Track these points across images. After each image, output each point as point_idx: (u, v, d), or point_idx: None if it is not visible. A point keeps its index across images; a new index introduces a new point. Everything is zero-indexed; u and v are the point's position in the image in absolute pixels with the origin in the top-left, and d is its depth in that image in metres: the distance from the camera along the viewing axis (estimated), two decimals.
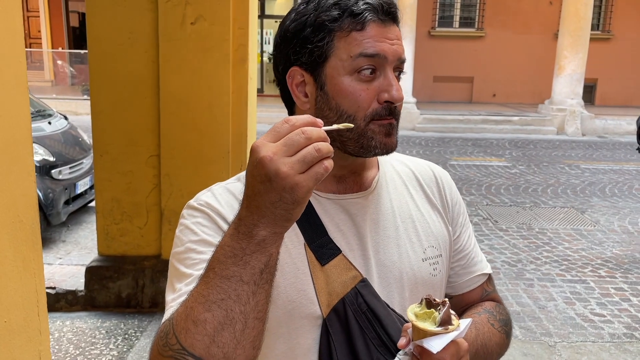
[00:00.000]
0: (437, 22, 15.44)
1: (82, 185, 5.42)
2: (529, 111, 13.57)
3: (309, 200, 0.80)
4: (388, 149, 0.93)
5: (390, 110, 0.91)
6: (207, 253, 0.86)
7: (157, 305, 3.70)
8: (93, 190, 5.67)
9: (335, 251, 0.94)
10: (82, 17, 16.96)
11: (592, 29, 13.15)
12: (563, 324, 3.77)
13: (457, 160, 9.16)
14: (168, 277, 0.93)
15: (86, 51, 13.18)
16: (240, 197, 0.93)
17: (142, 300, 3.70)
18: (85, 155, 5.57)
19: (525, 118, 12.79)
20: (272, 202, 0.69)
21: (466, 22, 15.63)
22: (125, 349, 3.23)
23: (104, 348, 3.25)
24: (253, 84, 3.79)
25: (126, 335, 3.38)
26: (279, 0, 19.22)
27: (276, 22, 19.22)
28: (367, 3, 0.88)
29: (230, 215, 0.91)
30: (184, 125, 3.49)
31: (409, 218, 1.02)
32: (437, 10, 15.43)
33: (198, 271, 0.85)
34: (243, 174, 1.00)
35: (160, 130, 3.51)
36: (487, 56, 15.13)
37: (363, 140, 0.92)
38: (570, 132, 12.29)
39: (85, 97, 13.38)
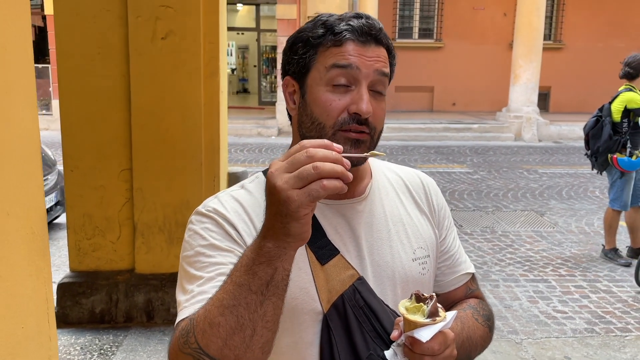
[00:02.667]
0: (397, 34, 15.77)
1: (47, 202, 5.34)
2: (488, 119, 13.99)
3: None
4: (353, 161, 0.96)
5: (360, 122, 0.96)
6: (216, 257, 0.94)
7: (131, 320, 3.69)
8: (59, 207, 5.59)
9: (334, 252, 1.01)
10: (38, 30, 16.61)
11: (545, 38, 13.70)
12: (528, 321, 3.93)
13: (421, 167, 9.37)
14: (178, 279, 1.00)
15: (44, 65, 12.80)
16: (244, 203, 1.01)
17: (117, 315, 3.68)
18: (49, 171, 5.49)
19: (484, 125, 13.18)
20: (273, 215, 0.77)
21: (425, 33, 16.01)
22: None
23: None
24: (224, 96, 3.85)
25: (102, 351, 3.36)
26: (240, 12, 19.27)
27: (238, 34, 19.27)
28: (349, 24, 0.97)
29: (236, 221, 0.98)
30: (156, 138, 3.52)
31: (399, 222, 1.10)
32: (397, 22, 15.77)
33: (208, 273, 0.93)
34: (247, 181, 1.08)
35: (132, 144, 3.52)
36: (446, 66, 15.53)
37: None
38: (527, 139, 12.73)
39: (44, 112, 13.09)
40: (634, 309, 4.14)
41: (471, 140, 12.57)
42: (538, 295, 4.37)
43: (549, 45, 15.07)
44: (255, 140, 12.16)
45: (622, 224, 5.30)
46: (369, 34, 0.98)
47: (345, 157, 0.77)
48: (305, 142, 0.77)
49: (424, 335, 0.89)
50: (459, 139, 12.61)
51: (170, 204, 3.60)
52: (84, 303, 3.66)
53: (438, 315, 0.91)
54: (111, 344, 3.44)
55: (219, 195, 1.04)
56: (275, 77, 16.42)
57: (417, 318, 0.91)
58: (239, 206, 1.01)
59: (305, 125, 1.00)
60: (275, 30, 14.74)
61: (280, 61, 1.08)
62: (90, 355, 3.31)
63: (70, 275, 3.70)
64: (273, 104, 14.87)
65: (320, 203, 1.03)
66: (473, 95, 15.74)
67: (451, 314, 0.94)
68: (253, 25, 18.14)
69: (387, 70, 1.00)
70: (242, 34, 19.48)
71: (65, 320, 3.65)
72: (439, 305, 0.93)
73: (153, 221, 3.62)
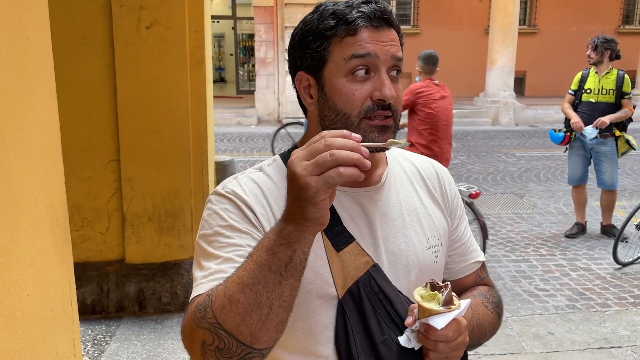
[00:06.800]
0: None
1: None
2: (465, 104, 14.14)
3: None
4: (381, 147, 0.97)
5: (384, 107, 0.98)
6: (234, 238, 0.96)
7: (123, 310, 3.70)
8: None
9: (349, 239, 1.02)
10: None
11: (520, 23, 13.87)
12: (512, 300, 4.05)
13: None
14: (195, 256, 1.01)
15: None
16: (263, 186, 1.03)
17: (108, 306, 3.69)
18: None
19: (462, 111, 13.31)
20: (293, 200, 0.80)
21: (402, 19, 16.07)
22: (96, 354, 3.23)
23: None
24: (210, 85, 3.85)
25: (95, 341, 3.37)
26: (215, 0, 19.05)
27: (213, 22, 19.07)
28: (360, 11, 0.96)
29: (254, 204, 1.00)
30: (144, 128, 3.51)
31: (413, 211, 1.11)
32: None
33: (226, 253, 0.94)
34: (265, 163, 1.08)
35: (119, 134, 3.51)
36: None
37: None
38: (504, 123, 12.93)
39: None
40: (612, 285, 4.30)
41: None
42: (520, 275, 4.50)
43: (524, 30, 15.27)
44: (235, 129, 12.12)
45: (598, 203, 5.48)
46: (381, 18, 0.98)
47: (364, 146, 0.79)
48: (325, 132, 0.80)
49: (439, 322, 0.92)
50: None
51: (159, 194, 3.61)
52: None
53: (453, 304, 0.94)
54: (104, 334, 3.45)
55: (238, 177, 1.05)
56: (253, 65, 16.32)
57: (433, 306, 0.94)
58: (258, 189, 1.02)
59: (328, 117, 1.00)
60: (252, 18, 14.63)
61: (288, 57, 1.06)
62: (84, 346, 3.32)
63: None
64: (252, 92, 14.81)
65: (338, 191, 1.03)
66: (450, 81, 15.69)
67: (465, 302, 0.97)
68: (229, 13, 17.98)
69: (401, 54, 1.01)
70: (218, 22, 19.28)
71: None
72: (453, 293, 0.96)
73: (142, 211, 3.62)
